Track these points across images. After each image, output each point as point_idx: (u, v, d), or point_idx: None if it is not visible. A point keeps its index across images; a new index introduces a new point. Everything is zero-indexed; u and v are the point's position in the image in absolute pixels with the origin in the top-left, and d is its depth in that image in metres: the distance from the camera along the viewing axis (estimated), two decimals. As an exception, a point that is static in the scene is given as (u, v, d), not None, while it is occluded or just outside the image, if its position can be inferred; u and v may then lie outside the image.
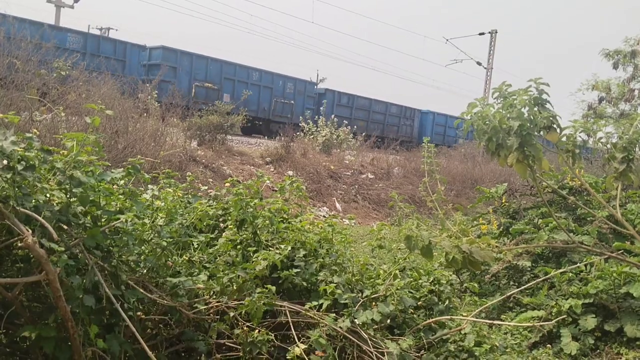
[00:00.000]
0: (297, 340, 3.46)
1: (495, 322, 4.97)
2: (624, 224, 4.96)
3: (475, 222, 8.35)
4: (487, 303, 5.66)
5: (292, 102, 26.19)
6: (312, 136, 20.37)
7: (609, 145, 4.88)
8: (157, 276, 3.42)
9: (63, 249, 2.65)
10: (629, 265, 5.23)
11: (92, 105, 3.35)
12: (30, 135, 2.82)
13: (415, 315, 4.42)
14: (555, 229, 6.68)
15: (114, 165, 4.49)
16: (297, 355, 3.32)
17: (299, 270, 3.96)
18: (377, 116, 31.42)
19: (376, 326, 3.88)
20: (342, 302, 3.81)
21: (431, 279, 4.76)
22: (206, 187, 5.72)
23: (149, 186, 3.92)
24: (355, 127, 23.78)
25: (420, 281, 4.70)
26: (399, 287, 4.08)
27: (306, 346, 3.41)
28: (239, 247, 4.12)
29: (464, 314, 4.82)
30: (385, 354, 3.60)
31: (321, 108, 25.42)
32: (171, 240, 3.53)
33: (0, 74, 9.95)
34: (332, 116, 22.36)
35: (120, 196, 3.41)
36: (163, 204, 3.76)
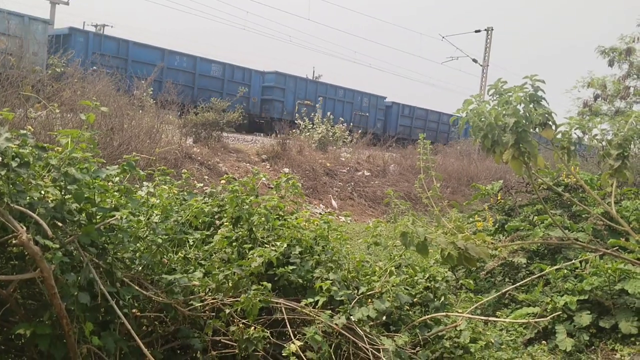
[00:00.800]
0: (292, 337, 3.46)
1: (491, 318, 4.98)
2: (619, 220, 4.98)
3: (470, 219, 8.37)
4: (482, 300, 5.67)
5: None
6: (308, 133, 20.37)
7: (604, 143, 4.90)
8: (153, 273, 3.42)
9: (58, 246, 2.64)
10: (623, 261, 5.26)
11: (87, 102, 3.34)
12: (25, 132, 2.81)
13: (410, 312, 4.43)
14: (551, 226, 6.70)
15: (109, 162, 4.48)
16: (292, 352, 3.32)
17: (294, 267, 3.96)
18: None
19: (372, 323, 3.88)
20: (338, 299, 3.81)
21: (427, 276, 4.77)
22: (202, 184, 5.70)
23: (144, 183, 3.91)
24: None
25: (415, 278, 4.71)
26: (394, 284, 4.08)
27: (302, 343, 3.41)
28: (234, 244, 4.12)
29: (460, 311, 4.84)
30: (381, 350, 3.60)
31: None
32: (166, 237, 3.52)
33: None
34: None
35: (115, 193, 3.40)
36: (158, 201, 3.75)
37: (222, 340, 3.53)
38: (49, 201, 2.80)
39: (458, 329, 4.19)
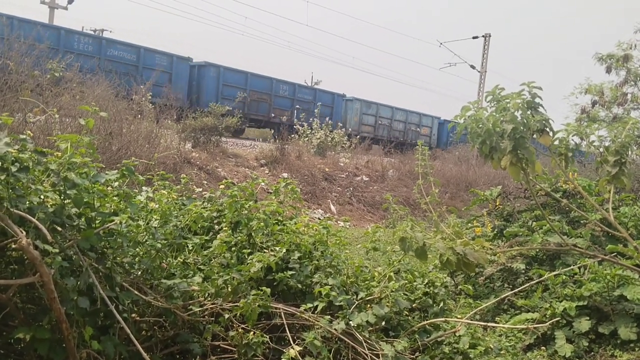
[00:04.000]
0: (292, 342, 3.46)
1: (490, 324, 4.99)
2: (617, 226, 4.99)
3: (469, 224, 8.37)
4: (481, 305, 5.67)
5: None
6: (306, 139, 20.39)
7: (601, 149, 4.91)
8: (152, 278, 3.42)
9: (57, 250, 2.64)
10: (622, 267, 5.26)
11: (86, 107, 3.35)
12: (24, 136, 2.81)
13: (410, 318, 4.43)
14: (549, 232, 6.70)
15: (108, 167, 4.48)
16: (292, 357, 3.32)
17: (293, 272, 3.96)
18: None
19: (371, 328, 3.88)
20: (337, 304, 3.81)
21: (426, 281, 4.77)
22: (200, 189, 5.71)
23: (143, 188, 3.92)
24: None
25: (414, 283, 4.71)
26: (393, 289, 4.09)
27: (301, 348, 3.41)
28: (233, 249, 4.12)
29: (459, 316, 4.83)
30: (380, 355, 3.60)
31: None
32: (165, 242, 3.53)
33: None
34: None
35: (114, 198, 3.41)
36: (157, 205, 3.76)
37: (221, 345, 3.53)
38: (49, 206, 2.80)
39: (457, 334, 4.19)
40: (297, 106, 26.25)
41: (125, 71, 19.33)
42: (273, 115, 25.47)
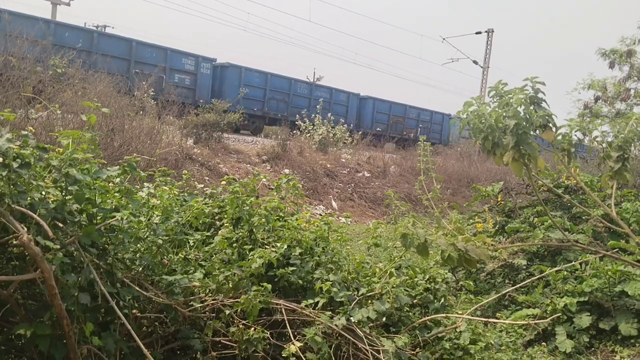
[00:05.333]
0: (292, 338, 3.47)
1: (491, 320, 4.98)
2: (619, 222, 4.98)
3: (471, 220, 8.37)
4: (482, 301, 5.67)
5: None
6: (308, 134, 20.37)
7: (604, 144, 4.90)
8: (153, 274, 3.42)
9: (58, 246, 2.65)
10: (623, 263, 5.26)
11: (88, 103, 3.35)
12: (26, 132, 2.81)
13: (410, 313, 4.43)
14: (551, 228, 6.70)
15: (110, 163, 4.48)
16: (292, 353, 3.32)
17: (294, 268, 3.96)
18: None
19: (372, 324, 3.88)
20: (338, 300, 3.81)
21: (427, 277, 4.77)
22: (202, 185, 5.71)
23: (145, 184, 3.92)
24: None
25: (415, 279, 4.71)
26: (394, 285, 4.09)
27: (302, 344, 3.41)
28: (234, 245, 4.13)
29: (460, 312, 4.84)
30: (381, 351, 3.60)
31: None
32: (167, 238, 3.53)
33: None
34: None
35: (116, 194, 3.41)
36: (159, 202, 3.76)
37: (222, 341, 3.54)
38: (50, 202, 2.81)
39: (458, 330, 4.19)
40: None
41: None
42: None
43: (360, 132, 23.88)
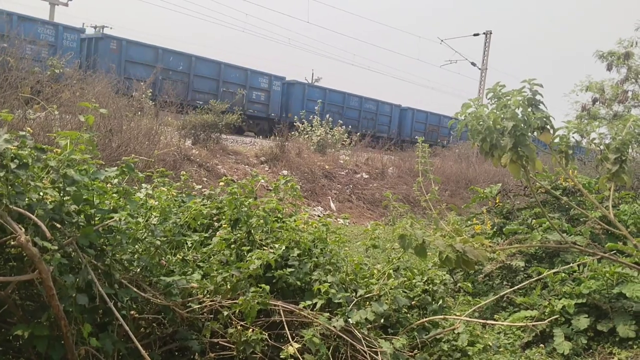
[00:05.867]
0: (290, 340, 3.47)
1: (489, 321, 4.98)
2: (617, 224, 4.99)
3: (469, 222, 8.37)
4: (480, 303, 5.67)
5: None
6: (307, 136, 20.37)
7: (602, 146, 4.91)
8: (151, 275, 3.42)
9: (56, 247, 2.65)
10: (621, 265, 5.26)
11: (86, 104, 3.34)
12: (24, 133, 2.81)
13: (408, 315, 4.43)
14: (549, 229, 6.70)
15: (108, 164, 4.47)
16: (290, 355, 3.32)
17: (293, 269, 3.96)
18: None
19: (370, 325, 3.88)
20: (336, 301, 3.81)
21: (425, 279, 4.77)
22: (200, 186, 5.70)
23: (143, 185, 3.91)
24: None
25: (414, 281, 4.71)
26: (392, 287, 4.09)
27: (300, 345, 3.41)
28: (233, 246, 4.12)
29: (458, 314, 4.84)
30: (379, 353, 3.60)
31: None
32: (165, 239, 3.53)
33: None
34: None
35: (114, 195, 3.40)
36: (157, 202, 3.75)
37: (220, 342, 3.53)
38: (48, 203, 2.80)
39: (456, 331, 4.19)
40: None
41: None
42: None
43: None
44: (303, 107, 26.14)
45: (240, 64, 24.27)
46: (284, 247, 4.00)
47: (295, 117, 22.66)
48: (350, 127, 24.25)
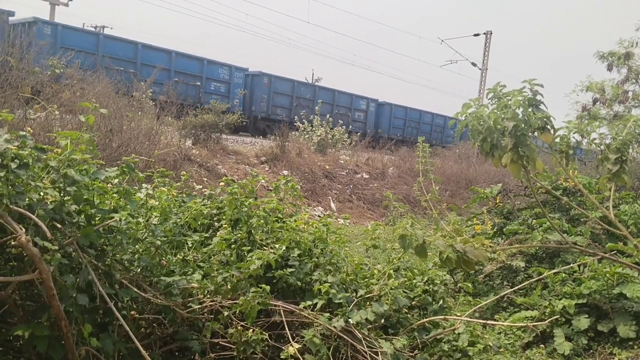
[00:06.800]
0: (291, 340, 3.46)
1: (489, 322, 4.98)
2: (617, 224, 4.99)
3: (469, 222, 8.37)
4: (480, 303, 5.67)
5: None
6: (307, 136, 20.37)
7: (602, 147, 4.91)
8: (151, 275, 3.42)
9: (57, 247, 2.64)
10: (622, 265, 5.26)
11: (86, 104, 3.34)
12: (24, 133, 2.81)
13: (409, 315, 4.43)
14: (549, 230, 6.70)
15: (108, 164, 4.47)
16: (291, 355, 3.32)
17: (293, 269, 3.96)
18: None
19: (370, 326, 3.88)
20: (337, 301, 3.81)
21: (425, 279, 4.77)
22: (201, 186, 5.71)
23: (143, 185, 3.91)
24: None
25: (414, 281, 4.71)
26: (393, 287, 4.09)
27: (300, 345, 3.41)
28: (233, 246, 4.12)
29: (458, 314, 4.84)
30: (379, 353, 3.60)
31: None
32: (165, 239, 3.52)
33: None
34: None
35: (114, 195, 3.40)
36: (157, 202, 3.76)
37: (220, 342, 3.53)
38: (48, 203, 2.80)
39: (456, 332, 4.19)
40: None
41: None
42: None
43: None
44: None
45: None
46: (284, 248, 4.00)
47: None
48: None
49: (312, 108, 25.44)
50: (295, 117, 23.58)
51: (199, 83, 22.45)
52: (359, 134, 23.44)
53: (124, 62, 19.90)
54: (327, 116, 22.70)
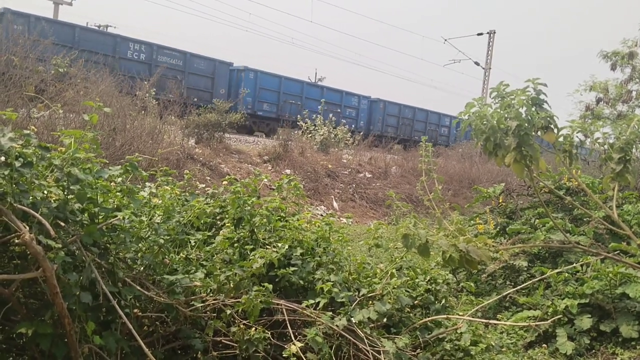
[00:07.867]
0: (293, 339, 3.47)
1: (492, 321, 4.98)
2: (621, 224, 4.97)
3: (472, 221, 8.36)
4: (483, 302, 5.67)
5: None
6: (310, 135, 20.37)
7: (606, 146, 4.89)
8: (154, 273, 3.42)
9: (60, 245, 2.65)
10: (625, 265, 5.25)
11: (90, 103, 3.35)
12: (28, 132, 2.82)
13: (411, 314, 4.43)
14: (552, 229, 6.69)
15: (112, 163, 4.48)
16: (293, 354, 3.32)
17: (295, 268, 3.96)
18: None
19: (372, 325, 3.88)
20: (339, 300, 3.81)
21: (428, 278, 4.76)
22: (204, 185, 5.72)
23: (147, 184, 3.92)
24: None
25: (416, 280, 4.71)
26: (395, 286, 4.09)
27: (302, 344, 3.41)
28: (236, 245, 4.13)
29: (460, 313, 4.83)
30: (382, 352, 3.60)
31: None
32: (168, 237, 3.53)
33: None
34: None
35: (117, 193, 3.41)
36: (160, 201, 3.76)
37: (223, 340, 3.54)
38: (52, 201, 2.81)
39: (459, 331, 4.19)
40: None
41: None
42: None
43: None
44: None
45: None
46: (287, 246, 4.00)
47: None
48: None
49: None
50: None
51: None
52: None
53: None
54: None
